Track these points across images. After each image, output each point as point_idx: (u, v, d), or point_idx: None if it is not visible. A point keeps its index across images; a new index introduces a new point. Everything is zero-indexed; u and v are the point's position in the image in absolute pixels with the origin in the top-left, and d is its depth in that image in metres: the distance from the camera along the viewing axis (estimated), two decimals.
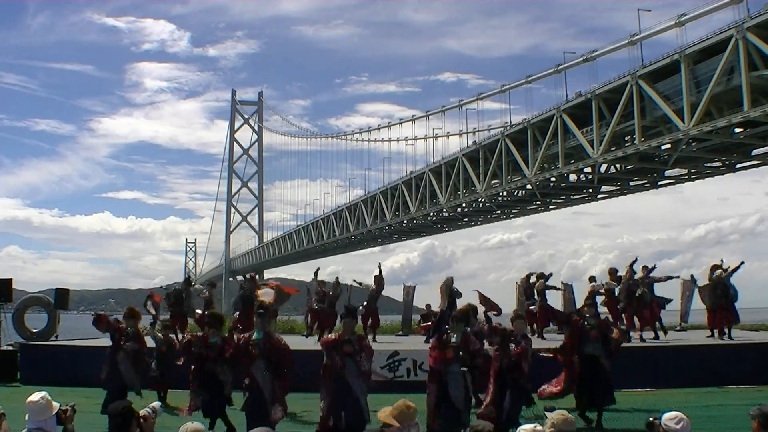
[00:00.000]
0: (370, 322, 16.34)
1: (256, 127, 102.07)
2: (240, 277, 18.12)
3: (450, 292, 11.53)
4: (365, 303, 16.44)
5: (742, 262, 15.13)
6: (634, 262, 14.95)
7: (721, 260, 14.95)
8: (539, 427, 3.81)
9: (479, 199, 51.10)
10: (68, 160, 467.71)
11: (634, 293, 14.50)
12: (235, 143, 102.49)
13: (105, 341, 18.01)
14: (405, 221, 60.18)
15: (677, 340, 14.52)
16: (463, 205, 53.05)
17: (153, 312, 13.74)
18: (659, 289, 15.00)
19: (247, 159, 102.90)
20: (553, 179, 45.41)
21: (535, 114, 43.52)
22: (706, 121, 32.47)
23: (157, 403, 4.88)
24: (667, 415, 4.18)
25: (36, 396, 4.62)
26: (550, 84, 42.93)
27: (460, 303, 14.19)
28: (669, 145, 36.77)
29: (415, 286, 20.30)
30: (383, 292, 16.95)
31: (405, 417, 4.09)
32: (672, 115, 33.53)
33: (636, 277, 14.73)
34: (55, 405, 4.68)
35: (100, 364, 13.20)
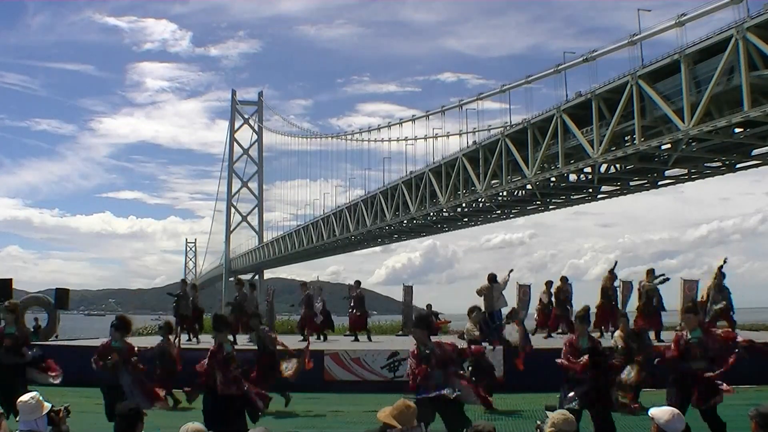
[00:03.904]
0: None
1: (256, 127, 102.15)
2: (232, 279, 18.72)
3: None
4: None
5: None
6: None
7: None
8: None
9: (479, 199, 51.09)
10: (68, 160, 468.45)
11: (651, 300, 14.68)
12: (235, 143, 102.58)
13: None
14: (405, 221, 60.16)
15: None
16: (463, 205, 53.04)
17: None
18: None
19: (247, 159, 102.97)
20: (553, 179, 45.39)
21: (535, 114, 43.48)
22: (706, 121, 32.45)
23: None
24: (663, 417, 4.13)
25: (27, 396, 4.62)
26: (550, 84, 42.94)
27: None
28: (669, 145, 36.76)
29: (412, 286, 20.39)
30: (383, 292, 17.71)
31: (405, 417, 4.10)
32: (672, 115, 33.52)
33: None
34: (47, 405, 4.68)
35: None
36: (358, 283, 17.71)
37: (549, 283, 17.60)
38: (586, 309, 7.73)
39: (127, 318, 8.94)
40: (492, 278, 15.00)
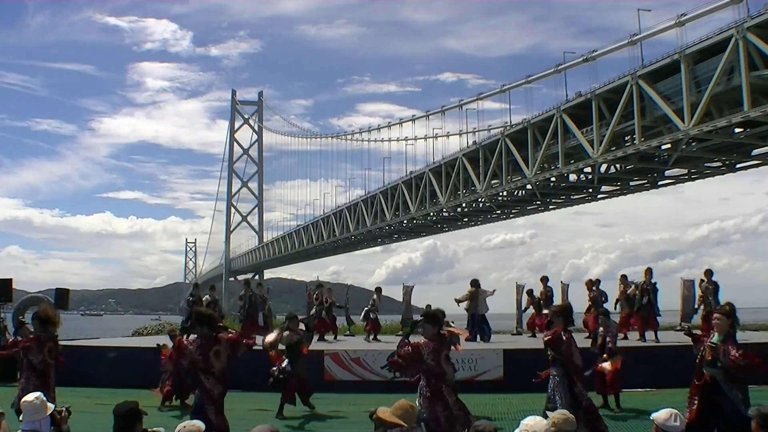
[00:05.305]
0: (369, 326, 17.48)
1: (256, 127, 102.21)
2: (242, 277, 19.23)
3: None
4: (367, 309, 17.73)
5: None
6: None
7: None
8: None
9: (479, 199, 51.06)
10: (68, 160, 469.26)
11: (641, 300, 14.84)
12: (235, 143, 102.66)
13: (105, 341, 18.05)
14: (405, 221, 60.14)
15: (677, 341, 14.52)
16: (463, 205, 53.02)
17: None
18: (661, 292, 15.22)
19: (247, 159, 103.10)
20: (553, 179, 45.36)
21: (535, 114, 43.47)
22: (706, 121, 32.43)
23: (161, 429, 4.77)
24: (661, 416, 4.14)
25: (31, 396, 4.64)
26: (550, 84, 42.88)
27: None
28: (669, 145, 36.73)
29: (412, 286, 20.47)
30: (384, 293, 19.02)
31: (410, 417, 4.12)
32: (672, 115, 33.51)
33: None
34: (50, 406, 4.69)
35: (100, 364, 13.24)
36: (379, 289, 18.60)
37: (530, 291, 17.75)
38: (565, 305, 8.00)
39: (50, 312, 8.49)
40: (476, 283, 15.52)
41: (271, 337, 9.80)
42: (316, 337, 16.10)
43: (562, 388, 7.29)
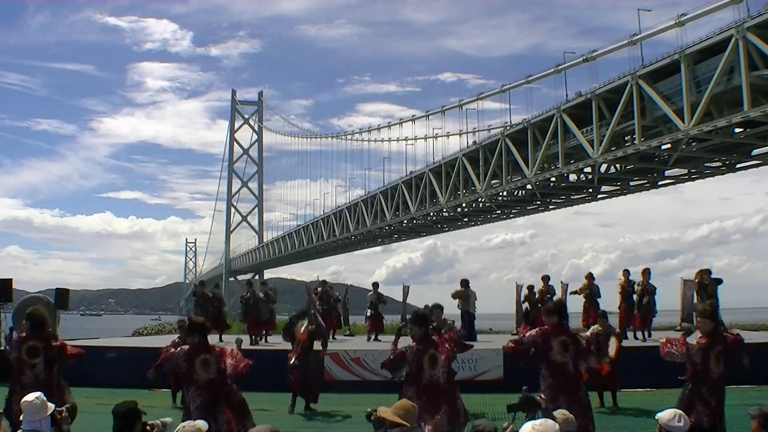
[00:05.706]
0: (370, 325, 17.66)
1: (256, 127, 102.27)
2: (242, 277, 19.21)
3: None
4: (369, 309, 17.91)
5: None
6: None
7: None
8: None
9: (479, 199, 51.08)
10: (68, 160, 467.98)
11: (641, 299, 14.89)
12: (235, 143, 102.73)
13: (105, 341, 18.07)
14: (405, 221, 60.17)
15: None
16: (463, 205, 53.03)
17: None
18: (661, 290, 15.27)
19: (247, 159, 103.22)
20: (553, 179, 45.38)
21: (535, 114, 43.47)
22: (706, 121, 32.44)
23: (168, 419, 4.78)
24: (664, 416, 4.16)
25: (31, 396, 4.64)
26: (550, 84, 42.89)
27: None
28: (669, 145, 36.74)
29: (408, 286, 20.61)
30: (384, 292, 18.77)
31: (411, 417, 4.13)
32: (672, 115, 33.52)
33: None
34: (51, 406, 4.70)
35: (100, 364, 13.23)
36: (375, 284, 18.57)
37: (531, 287, 17.73)
38: (558, 302, 7.46)
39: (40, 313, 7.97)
40: (466, 283, 16.33)
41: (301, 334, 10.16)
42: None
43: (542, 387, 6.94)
